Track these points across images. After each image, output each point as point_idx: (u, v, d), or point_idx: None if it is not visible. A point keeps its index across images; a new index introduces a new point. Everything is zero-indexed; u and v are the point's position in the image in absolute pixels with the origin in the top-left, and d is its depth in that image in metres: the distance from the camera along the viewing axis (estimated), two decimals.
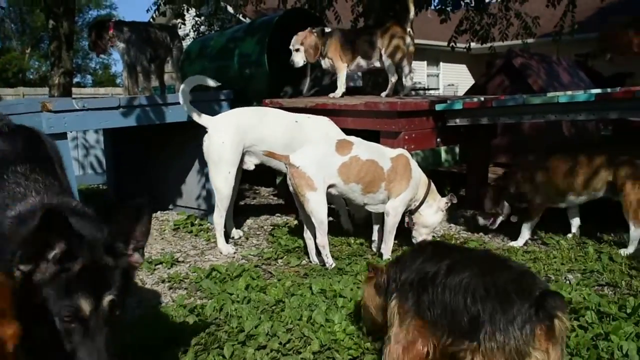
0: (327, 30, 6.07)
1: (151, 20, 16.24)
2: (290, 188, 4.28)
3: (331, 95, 6.15)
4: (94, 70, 47.38)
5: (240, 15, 15.70)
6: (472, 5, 11.38)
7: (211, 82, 5.34)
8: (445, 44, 12.06)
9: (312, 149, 4.36)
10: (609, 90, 5.04)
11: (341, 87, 6.19)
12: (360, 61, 6.21)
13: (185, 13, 13.30)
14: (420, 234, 4.62)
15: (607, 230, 4.94)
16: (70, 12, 11.88)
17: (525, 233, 4.81)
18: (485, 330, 1.99)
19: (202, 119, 4.90)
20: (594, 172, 4.58)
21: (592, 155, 4.64)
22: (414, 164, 4.47)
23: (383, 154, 4.41)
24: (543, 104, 4.76)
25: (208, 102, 5.75)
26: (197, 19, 14.95)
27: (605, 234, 4.89)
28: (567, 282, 3.83)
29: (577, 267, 4.16)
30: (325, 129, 5.10)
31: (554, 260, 4.30)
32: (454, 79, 24.65)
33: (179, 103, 5.03)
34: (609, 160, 4.54)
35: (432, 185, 4.55)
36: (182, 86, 4.98)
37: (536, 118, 4.92)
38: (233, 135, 4.80)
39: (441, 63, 24.57)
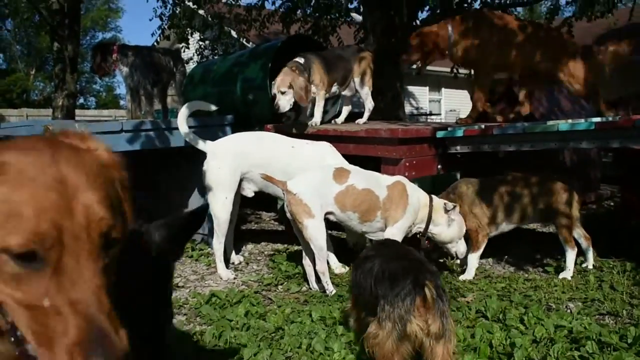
0: (301, 60, 5.74)
1: (155, 44, 16.41)
2: (288, 215, 4.30)
3: (310, 122, 5.91)
4: (98, 93, 47.69)
5: (244, 39, 15.82)
6: None
7: (212, 107, 5.37)
8: (447, 69, 12.15)
9: (310, 176, 4.38)
10: (609, 118, 5.07)
11: (319, 115, 5.94)
12: (334, 88, 6.14)
13: (189, 37, 13.43)
14: (451, 249, 4.58)
15: (608, 257, 4.93)
16: (75, 35, 12.00)
17: (471, 264, 4.71)
18: (381, 304, 2.49)
19: (201, 144, 4.93)
20: (527, 199, 4.73)
21: (524, 182, 4.77)
22: (412, 190, 4.45)
23: (379, 183, 4.41)
24: (543, 132, 4.78)
25: (210, 127, 5.78)
26: (200, 43, 15.07)
27: (606, 261, 4.88)
28: (568, 311, 3.82)
29: (578, 295, 4.14)
30: (323, 155, 5.04)
31: (555, 288, 4.29)
32: (455, 105, 24.72)
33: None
34: (540, 187, 4.71)
35: (436, 203, 4.49)
36: (181, 110, 5.01)
37: (536, 146, 4.93)
38: (230, 161, 4.83)
39: (443, 89, 24.67)
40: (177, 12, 13.33)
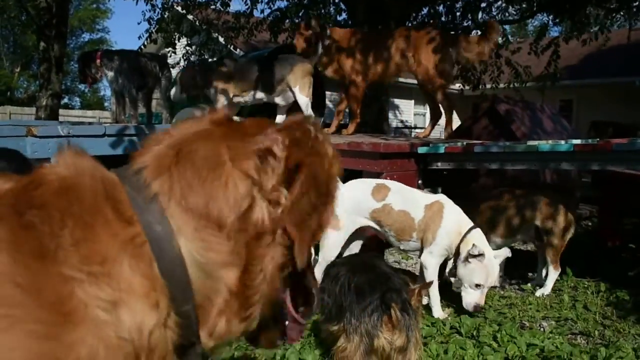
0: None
1: (141, 48, 16.36)
2: None
3: None
4: (83, 93, 47.35)
5: (232, 46, 15.84)
6: None
7: None
8: None
9: (351, 187, 4.30)
10: (589, 141, 5.15)
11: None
12: (259, 95, 6.22)
13: (177, 42, 13.42)
14: (462, 291, 4.10)
15: (583, 277, 4.99)
16: (62, 35, 11.96)
17: None
18: (347, 316, 2.55)
19: None
20: (518, 215, 4.83)
21: (516, 199, 4.88)
22: (449, 212, 4.15)
23: (418, 203, 4.21)
24: (524, 152, 4.84)
25: None
26: (187, 48, 15.06)
27: (581, 281, 4.94)
28: (542, 329, 3.86)
29: (552, 314, 4.19)
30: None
31: (530, 306, 4.34)
32: (441, 119, 24.87)
33: None
34: (532, 204, 4.80)
35: (470, 237, 4.05)
36: (173, 121, 5.00)
37: (517, 165, 4.99)
38: None
39: None
40: (166, 16, 13.33)
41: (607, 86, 19.48)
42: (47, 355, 0.83)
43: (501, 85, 12.27)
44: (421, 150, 5.32)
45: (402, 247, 4.37)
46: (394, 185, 4.37)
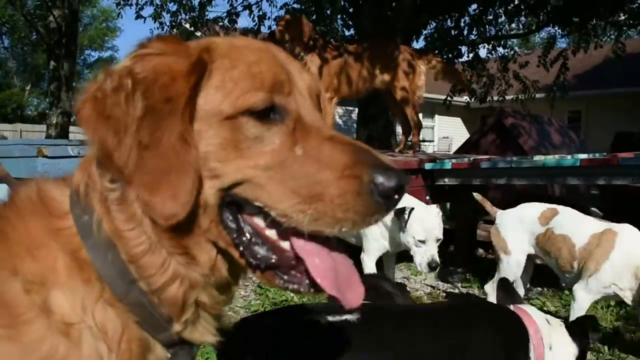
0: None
1: None
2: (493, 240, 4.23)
3: None
4: None
5: None
6: (469, 59, 11.58)
7: None
8: (442, 97, 12.28)
9: (521, 211, 4.20)
10: (597, 155, 5.15)
11: None
12: None
13: None
14: None
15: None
16: (71, 54, 12.08)
17: None
18: None
19: None
20: None
21: None
22: (625, 244, 3.60)
23: (583, 229, 3.83)
24: (531, 167, 4.86)
25: None
26: None
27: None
28: None
29: None
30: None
31: None
32: (448, 132, 24.88)
33: None
34: None
35: None
36: None
37: (523, 180, 5.01)
38: None
39: (436, 115, 24.82)
40: (174, 33, 13.44)
41: (616, 96, 19.45)
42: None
43: (509, 97, 12.27)
44: (428, 166, 5.35)
45: (567, 281, 3.98)
46: (562, 208, 4.11)
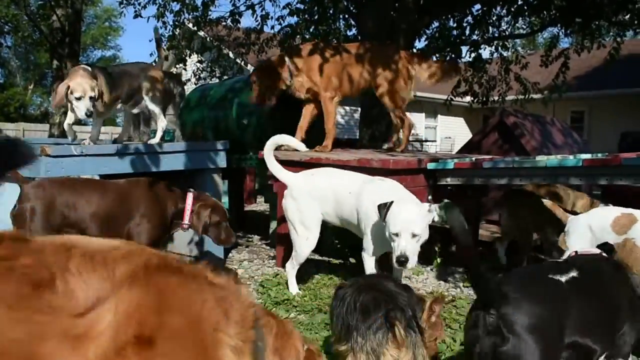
0: (89, 68, 5.29)
1: (153, 63, 16.48)
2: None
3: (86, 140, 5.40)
4: None
5: (243, 62, 15.95)
6: (470, 60, 11.56)
7: (293, 144, 5.19)
8: (444, 97, 12.28)
9: (590, 216, 3.92)
10: (599, 155, 5.16)
11: (95, 132, 5.81)
12: (119, 105, 5.75)
13: (187, 58, 13.52)
14: None
15: None
16: (74, 54, 12.12)
17: None
18: (353, 335, 2.57)
19: (283, 177, 4.92)
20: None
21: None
22: None
23: None
24: (533, 167, 4.86)
25: (205, 152, 5.83)
26: (198, 64, 15.18)
27: None
28: None
29: None
30: (398, 192, 4.36)
31: None
32: (451, 132, 24.91)
33: (175, 152, 5.12)
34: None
35: None
36: (267, 143, 4.90)
37: (525, 180, 5.02)
38: (307, 202, 4.78)
39: (439, 115, 24.84)
40: (177, 33, 13.45)
41: (619, 97, 19.45)
42: None
43: (509, 98, 12.28)
44: (430, 166, 5.36)
45: None
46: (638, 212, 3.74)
